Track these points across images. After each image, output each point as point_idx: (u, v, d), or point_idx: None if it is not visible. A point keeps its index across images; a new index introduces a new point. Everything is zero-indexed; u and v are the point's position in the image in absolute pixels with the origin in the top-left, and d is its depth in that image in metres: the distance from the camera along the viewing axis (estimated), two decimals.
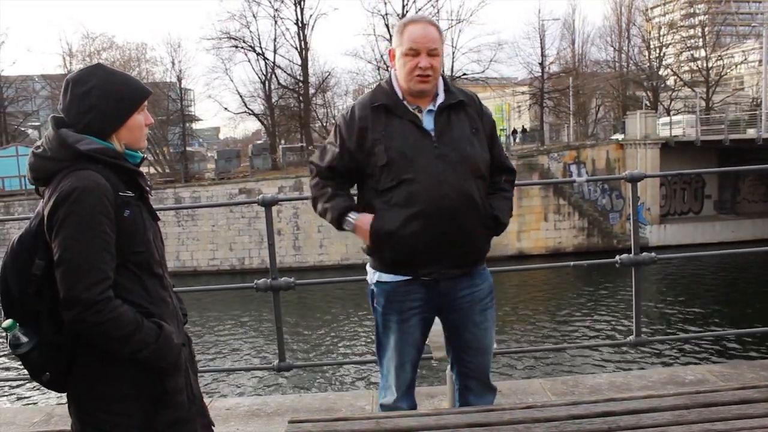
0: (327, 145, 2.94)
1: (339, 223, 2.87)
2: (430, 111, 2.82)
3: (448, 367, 3.46)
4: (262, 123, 47.93)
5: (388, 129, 2.78)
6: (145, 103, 2.07)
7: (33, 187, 2.00)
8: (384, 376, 3.04)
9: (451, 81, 2.94)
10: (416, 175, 2.73)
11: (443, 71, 2.92)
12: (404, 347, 2.94)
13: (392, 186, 2.76)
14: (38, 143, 1.99)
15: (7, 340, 1.90)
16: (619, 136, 36.50)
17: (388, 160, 2.74)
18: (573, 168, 33.14)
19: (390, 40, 42.82)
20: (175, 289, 2.19)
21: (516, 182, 3.11)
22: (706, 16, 49.20)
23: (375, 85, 3.00)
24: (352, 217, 2.84)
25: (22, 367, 1.96)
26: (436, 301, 2.90)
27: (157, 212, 2.14)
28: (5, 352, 17.38)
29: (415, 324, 2.91)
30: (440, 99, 2.83)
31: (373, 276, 2.96)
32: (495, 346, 3.33)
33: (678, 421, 2.40)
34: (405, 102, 2.82)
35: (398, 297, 2.88)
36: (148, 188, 2.07)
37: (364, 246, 2.95)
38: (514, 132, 46.39)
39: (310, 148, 42.41)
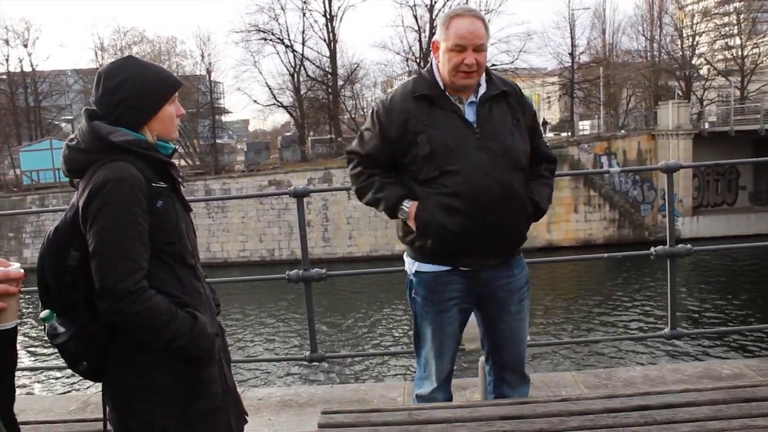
0: (364, 132, 2.92)
1: (393, 212, 2.86)
2: (471, 102, 2.80)
3: (481, 358, 3.44)
4: (291, 115, 48.13)
5: (431, 119, 2.76)
6: (176, 94, 2.07)
7: (67, 179, 2.02)
8: (421, 367, 3.04)
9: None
10: (460, 167, 2.72)
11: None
12: (443, 338, 2.94)
13: (435, 176, 2.75)
14: (72, 136, 2.00)
15: (44, 330, 1.92)
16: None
17: (431, 150, 2.73)
18: (603, 159, 32.76)
19: (418, 31, 42.85)
20: (207, 279, 2.20)
21: None
22: (742, 2, 48.06)
23: (414, 75, 2.97)
24: (406, 205, 2.83)
25: (59, 356, 1.98)
26: (475, 291, 2.90)
27: (189, 203, 2.14)
28: (41, 343, 17.74)
29: (453, 315, 2.92)
30: (482, 90, 2.81)
31: (411, 266, 2.95)
32: (528, 337, 3.31)
33: (716, 416, 2.36)
34: (447, 93, 2.80)
35: (438, 287, 2.88)
36: (180, 179, 2.08)
37: (401, 234, 2.95)
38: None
39: (339, 139, 42.52)
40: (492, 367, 3.10)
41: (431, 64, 2.88)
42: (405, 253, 3.00)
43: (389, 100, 2.85)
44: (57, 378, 15.67)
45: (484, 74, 2.82)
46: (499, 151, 2.74)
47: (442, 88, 2.80)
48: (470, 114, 2.78)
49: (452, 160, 2.72)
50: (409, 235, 2.89)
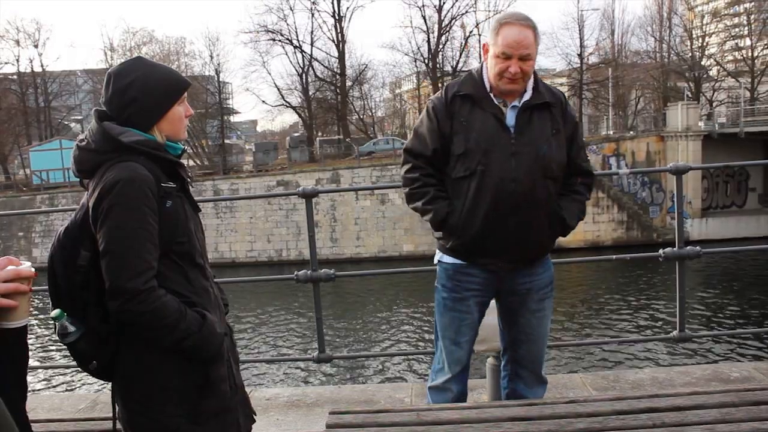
0: (420, 129, 2.95)
1: (438, 227, 2.92)
2: (514, 107, 2.84)
3: (489, 359, 3.45)
4: (300, 115, 48.23)
5: (470, 119, 2.82)
6: (185, 94, 2.08)
7: (77, 179, 2.03)
8: (437, 358, 3.10)
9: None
10: (488, 168, 2.77)
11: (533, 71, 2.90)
12: (461, 327, 3.00)
13: (465, 176, 2.80)
14: (82, 136, 2.01)
15: (55, 329, 1.93)
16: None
17: (465, 149, 2.79)
18: (612, 160, 32.65)
19: (426, 32, 42.83)
20: (216, 279, 2.21)
21: None
22: (752, 3, 47.83)
23: (466, 73, 3.02)
24: None
25: (68, 355, 1.99)
26: (494, 286, 2.96)
27: (198, 204, 2.16)
28: (49, 341, 17.82)
29: (472, 305, 2.98)
30: (526, 96, 2.84)
31: (438, 255, 3.04)
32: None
33: (725, 419, 2.35)
34: (491, 95, 2.84)
35: (457, 276, 2.96)
36: (189, 179, 2.09)
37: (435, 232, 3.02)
38: None
39: (347, 140, 42.54)
40: (507, 363, 3.13)
41: (482, 64, 2.92)
42: (435, 245, 3.07)
43: (443, 96, 2.90)
44: (65, 377, 15.74)
45: (531, 81, 2.84)
46: (532, 157, 2.77)
47: (488, 89, 2.84)
48: (511, 118, 2.82)
49: (483, 161, 2.77)
50: (438, 232, 2.97)
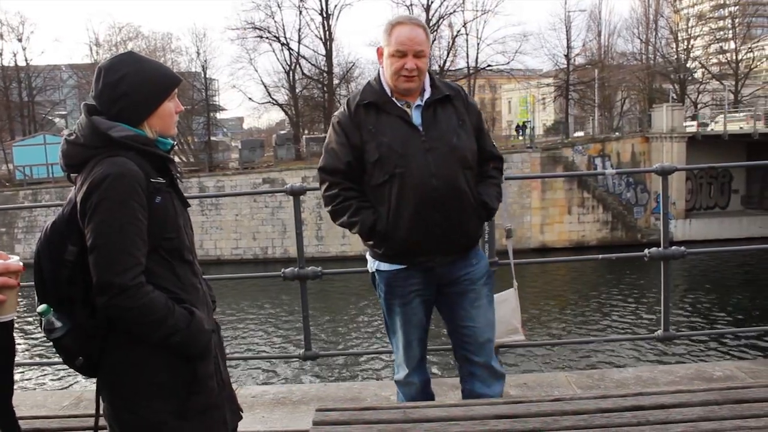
0: (331, 147, 2.98)
1: (369, 236, 2.94)
2: (417, 106, 2.90)
3: None
4: (286, 113, 48.08)
5: (378, 126, 2.86)
6: (176, 90, 2.07)
7: (61, 175, 2.02)
8: (395, 354, 3.19)
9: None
10: (406, 169, 2.81)
11: (429, 68, 3.02)
12: (409, 327, 3.07)
13: (384, 180, 2.85)
14: (71, 130, 2.00)
15: (41, 324, 1.91)
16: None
17: (380, 155, 2.84)
18: (598, 161, 32.81)
19: None
20: (204, 276, 2.20)
21: (542, 174, 3.21)
22: (737, 7, 48.27)
23: (365, 85, 3.05)
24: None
25: (51, 351, 1.98)
26: (434, 282, 3.01)
27: (187, 199, 2.15)
28: (31, 338, 17.67)
29: (417, 305, 3.03)
30: (427, 94, 2.91)
31: (372, 264, 3.07)
32: (523, 338, 3.36)
33: (709, 417, 2.37)
34: (393, 98, 2.90)
35: (398, 282, 3.00)
36: (178, 175, 2.08)
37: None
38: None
39: None
40: (459, 362, 3.17)
41: (379, 71, 2.98)
42: (367, 252, 3.10)
43: (345, 110, 2.95)
44: (47, 374, 15.62)
45: (428, 80, 2.93)
46: (445, 151, 2.84)
47: (389, 94, 2.90)
48: (416, 117, 2.89)
49: (399, 163, 2.81)
50: (367, 241, 3.01)
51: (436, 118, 2.88)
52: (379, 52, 2.94)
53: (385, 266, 3.01)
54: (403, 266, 2.96)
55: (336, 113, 3.01)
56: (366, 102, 2.90)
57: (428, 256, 2.92)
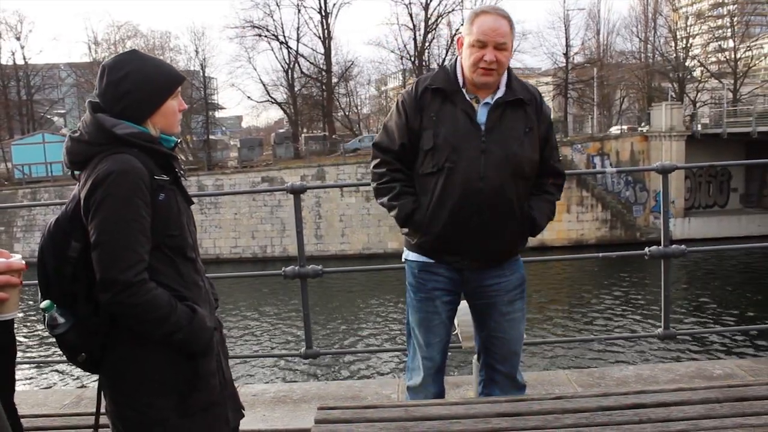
0: (389, 124, 2.91)
1: (403, 223, 2.87)
2: (486, 104, 2.79)
3: (474, 356, 3.46)
4: (285, 112, 48.08)
5: (440, 114, 2.77)
6: (179, 88, 2.07)
7: (59, 173, 2.02)
8: (411, 357, 3.06)
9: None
10: (456, 165, 2.72)
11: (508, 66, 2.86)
12: (430, 326, 2.96)
13: (433, 172, 2.76)
14: (73, 128, 2.00)
15: (44, 320, 1.92)
16: (645, 128, 36.11)
17: (434, 145, 2.75)
18: (597, 160, 32.83)
19: (413, 29, 42.84)
20: (206, 274, 2.20)
21: None
22: (735, 5, 48.28)
23: (438, 68, 2.97)
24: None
25: (51, 350, 1.98)
26: (461, 285, 2.92)
27: (191, 197, 2.15)
28: (32, 337, 17.66)
29: (439, 305, 2.94)
30: (499, 93, 2.79)
31: (404, 253, 3.01)
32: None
33: (710, 415, 2.38)
34: (464, 90, 2.79)
35: (423, 275, 2.92)
36: (182, 172, 2.08)
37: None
38: None
39: (332, 137, 42.44)
40: (482, 367, 3.09)
41: (456, 59, 2.88)
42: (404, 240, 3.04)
43: (413, 90, 2.86)
44: (48, 373, 15.62)
45: (505, 77, 2.80)
46: (502, 156, 2.72)
47: (461, 84, 2.80)
48: (482, 115, 2.77)
49: (451, 158, 2.72)
50: (403, 229, 2.94)
51: (501, 121, 2.75)
52: (459, 42, 2.82)
53: (413, 256, 2.94)
54: (431, 260, 2.89)
55: (402, 92, 2.92)
56: (434, 87, 2.80)
57: (458, 257, 2.83)
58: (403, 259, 3.03)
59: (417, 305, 2.96)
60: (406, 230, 2.91)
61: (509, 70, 2.83)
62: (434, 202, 2.76)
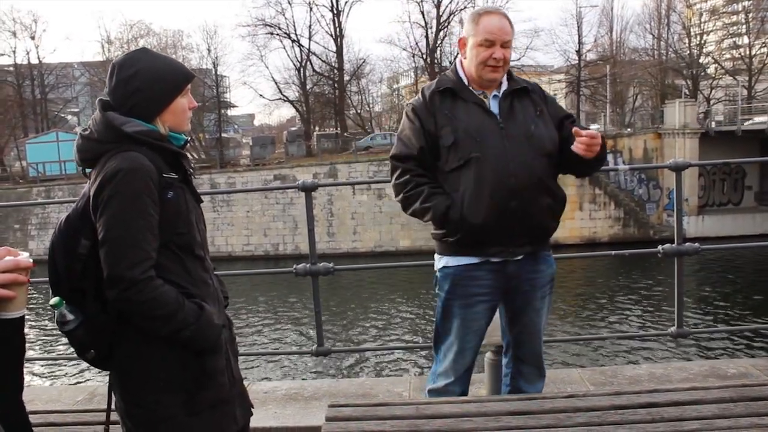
0: (404, 133, 2.94)
1: (442, 222, 2.86)
2: (495, 96, 2.88)
3: (487, 354, 3.45)
4: (297, 110, 48.18)
5: (454, 111, 2.84)
6: (189, 86, 2.07)
7: (73, 171, 2.03)
8: (439, 362, 3.04)
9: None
10: (483, 154, 2.77)
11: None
12: (467, 334, 2.95)
13: (460, 165, 2.79)
14: (86, 125, 2.02)
15: (54, 317, 1.93)
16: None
17: (455, 139, 2.79)
18: (610, 157, 32.66)
19: (425, 27, 42.80)
20: (215, 272, 2.20)
21: None
22: (750, 1, 47.86)
23: (439, 75, 3.04)
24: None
25: (66, 347, 1.99)
26: (502, 286, 2.91)
27: (200, 195, 2.15)
28: (46, 333, 17.80)
29: (480, 311, 2.93)
30: (504, 86, 2.90)
31: (439, 262, 2.98)
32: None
33: (724, 414, 2.35)
34: (470, 87, 2.88)
35: (464, 282, 2.90)
36: (191, 171, 2.08)
37: (433, 230, 2.97)
38: None
39: (344, 135, 42.47)
40: (511, 361, 3.12)
41: (455, 63, 2.97)
42: (435, 250, 3.01)
43: (420, 96, 2.94)
44: (63, 368, 15.74)
45: (505, 74, 2.90)
46: (523, 137, 2.80)
47: (466, 83, 2.89)
48: (494, 106, 2.86)
49: (476, 148, 2.77)
50: (440, 230, 2.91)
51: (512, 109, 2.85)
52: (462, 43, 2.90)
53: (453, 261, 2.91)
54: (472, 261, 2.86)
55: (410, 101, 2.98)
56: (442, 88, 2.88)
57: (502, 246, 2.83)
58: (438, 267, 2.98)
59: (455, 312, 2.93)
60: (441, 232, 2.89)
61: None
62: (470, 193, 2.77)
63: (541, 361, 3.11)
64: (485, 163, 2.75)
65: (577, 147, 2.76)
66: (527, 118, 2.85)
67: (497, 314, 3.08)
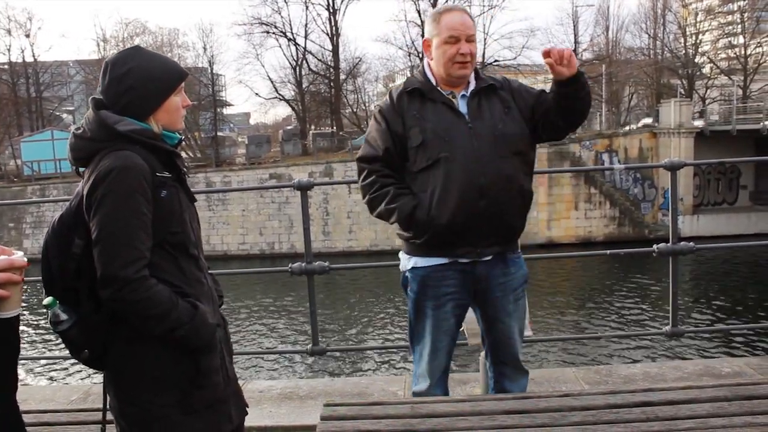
0: (371, 134, 2.95)
1: (408, 223, 2.85)
2: (463, 96, 2.87)
3: (482, 354, 3.45)
4: (293, 108, 48.13)
5: (423, 111, 2.83)
6: (182, 84, 2.07)
7: (68, 170, 2.03)
8: (417, 363, 3.04)
9: (482, 68, 2.96)
10: (451, 154, 2.76)
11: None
12: (438, 334, 2.94)
13: (428, 165, 2.79)
14: (79, 124, 2.01)
15: (47, 316, 1.92)
16: (647, 120, 35.92)
17: (424, 139, 2.79)
18: (605, 156, 32.69)
19: (420, 26, 42.70)
20: (210, 271, 2.20)
21: (549, 169, 3.13)
22: (746, 1, 47.97)
23: (407, 76, 3.06)
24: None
25: (61, 346, 1.98)
26: (471, 286, 2.90)
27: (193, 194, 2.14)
28: (40, 333, 17.76)
29: (449, 310, 2.92)
30: (472, 86, 2.89)
31: (407, 262, 2.96)
32: (531, 333, 3.32)
33: (718, 413, 2.36)
34: (438, 88, 2.87)
35: (433, 282, 2.89)
36: (185, 170, 2.08)
37: (399, 230, 2.95)
38: None
39: (340, 133, 42.45)
40: (492, 365, 3.11)
41: (422, 64, 2.97)
42: (401, 251, 3.01)
43: (387, 98, 2.94)
44: (57, 368, 15.69)
45: (472, 72, 2.89)
46: (492, 137, 2.79)
47: (434, 83, 2.88)
48: (462, 107, 2.86)
49: (445, 148, 2.76)
50: (407, 231, 2.90)
51: (480, 107, 2.84)
52: (426, 44, 2.90)
53: (421, 262, 2.90)
54: (441, 261, 2.86)
55: (378, 103, 2.98)
56: (410, 89, 2.87)
57: (471, 247, 2.82)
58: (405, 268, 2.98)
59: (426, 313, 2.93)
60: (408, 234, 2.89)
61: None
62: (438, 193, 2.77)
63: (519, 359, 3.08)
64: (454, 163, 2.75)
65: (548, 63, 2.76)
66: (495, 116, 2.83)
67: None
